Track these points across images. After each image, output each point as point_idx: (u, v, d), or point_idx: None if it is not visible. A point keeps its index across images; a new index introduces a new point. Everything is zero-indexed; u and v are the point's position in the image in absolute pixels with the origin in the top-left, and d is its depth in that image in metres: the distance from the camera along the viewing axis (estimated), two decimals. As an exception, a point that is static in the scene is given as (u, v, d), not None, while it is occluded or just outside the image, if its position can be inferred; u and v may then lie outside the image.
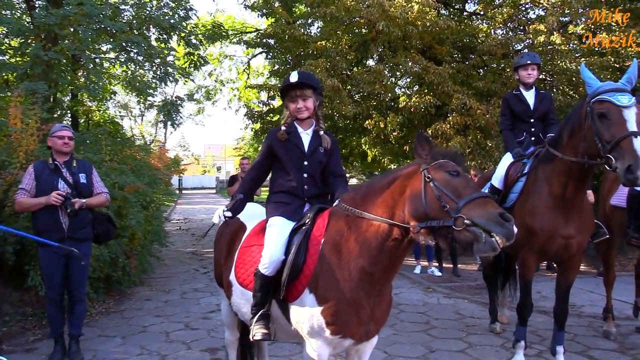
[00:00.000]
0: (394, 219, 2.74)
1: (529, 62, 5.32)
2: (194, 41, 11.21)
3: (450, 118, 10.64)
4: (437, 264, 10.07)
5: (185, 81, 9.55)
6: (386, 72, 11.20)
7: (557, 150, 4.27)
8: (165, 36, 10.59)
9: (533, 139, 5.16)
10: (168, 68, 9.17)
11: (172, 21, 9.44)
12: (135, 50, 8.44)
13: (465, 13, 14.18)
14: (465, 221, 2.39)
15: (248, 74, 23.79)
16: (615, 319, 6.31)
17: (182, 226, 18.66)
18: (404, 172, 2.84)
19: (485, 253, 2.36)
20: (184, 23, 10.78)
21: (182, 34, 10.95)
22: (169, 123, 9.66)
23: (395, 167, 15.48)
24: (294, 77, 3.39)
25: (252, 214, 3.72)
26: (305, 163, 3.39)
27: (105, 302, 7.46)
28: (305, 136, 3.42)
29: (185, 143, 69.68)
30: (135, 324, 6.55)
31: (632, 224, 4.88)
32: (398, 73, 12.31)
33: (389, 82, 11.21)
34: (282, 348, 5.22)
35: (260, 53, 18.51)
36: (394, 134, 12.42)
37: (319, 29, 13.26)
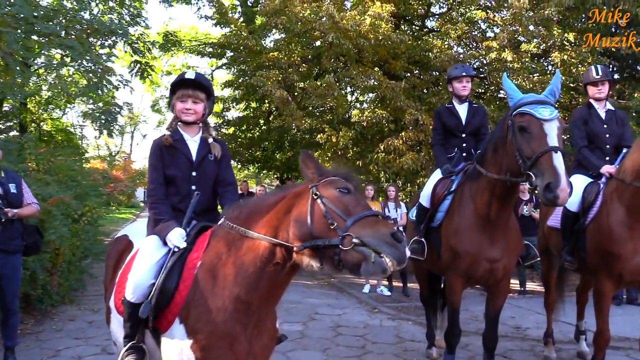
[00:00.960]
0: (277, 239, 2.45)
1: (463, 74, 5.09)
2: (140, 49, 10.79)
3: (403, 134, 10.44)
4: (386, 283, 9.77)
5: (113, 89, 9.05)
6: (338, 86, 10.97)
7: (482, 167, 4.01)
8: (109, 42, 10.15)
9: (464, 154, 4.89)
10: (105, 75, 8.73)
11: (112, 27, 9.02)
12: (68, 54, 7.99)
13: (425, 29, 14.12)
14: (354, 240, 2.15)
15: (213, 86, 23.44)
16: (559, 342, 6.11)
17: (134, 240, 17.99)
18: (292, 191, 2.57)
19: (375, 275, 2.15)
20: (130, 29, 10.37)
21: (129, 42, 10.53)
22: (105, 132, 9.25)
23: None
24: (190, 75, 3.09)
25: (142, 231, 3.35)
26: (194, 173, 3.06)
27: (23, 323, 6.88)
28: (193, 143, 3.09)
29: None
30: (48, 348, 6.03)
31: (565, 246, 4.64)
32: (352, 88, 12.12)
33: (340, 96, 10.96)
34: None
35: (225, 65, 18.24)
36: (353, 149, 12.20)
37: (272, 40, 13.02)
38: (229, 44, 12.33)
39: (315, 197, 2.36)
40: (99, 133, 9.86)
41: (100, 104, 10.31)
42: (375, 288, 9.64)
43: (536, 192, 3.34)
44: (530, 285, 10.24)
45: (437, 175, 4.79)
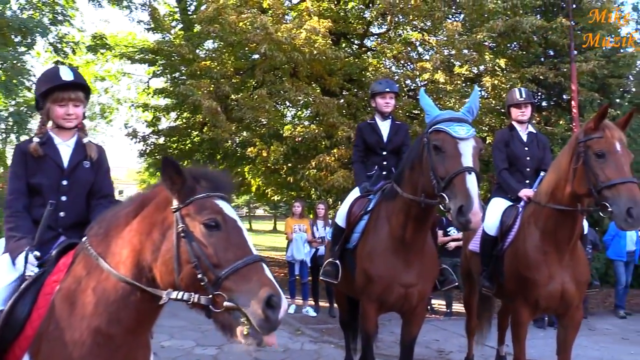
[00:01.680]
0: (142, 268, 2.11)
1: (387, 90, 4.88)
2: (65, 49, 10.16)
3: (335, 150, 10.26)
4: (313, 303, 9.49)
5: (25, 89, 8.40)
6: (271, 99, 10.71)
7: (399, 186, 3.81)
8: (28, 40, 9.47)
9: (384, 173, 4.66)
10: (18, 75, 8.06)
11: (29, 25, 8.38)
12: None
13: (364, 48, 14.13)
14: (226, 303, 1.87)
15: (148, 94, 22.65)
16: (482, 367, 5.98)
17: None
18: (153, 201, 2.20)
19: (250, 345, 1.88)
20: (52, 28, 9.73)
21: (50, 41, 9.88)
22: (15, 136, 8.53)
23: (278, 198, 14.89)
24: (67, 75, 2.66)
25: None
26: (65, 182, 2.66)
27: None
28: (65, 148, 2.70)
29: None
30: None
31: (484, 271, 4.51)
32: (288, 103, 11.89)
33: (272, 109, 10.70)
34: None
35: (160, 72, 17.57)
36: (287, 165, 11.91)
37: (206, 49, 12.65)
38: (160, 50, 11.84)
39: (181, 234, 2.01)
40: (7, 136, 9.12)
41: (23, 108, 9.58)
42: (301, 308, 9.34)
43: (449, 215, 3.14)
44: (458, 307, 10.18)
45: (354, 193, 4.55)
